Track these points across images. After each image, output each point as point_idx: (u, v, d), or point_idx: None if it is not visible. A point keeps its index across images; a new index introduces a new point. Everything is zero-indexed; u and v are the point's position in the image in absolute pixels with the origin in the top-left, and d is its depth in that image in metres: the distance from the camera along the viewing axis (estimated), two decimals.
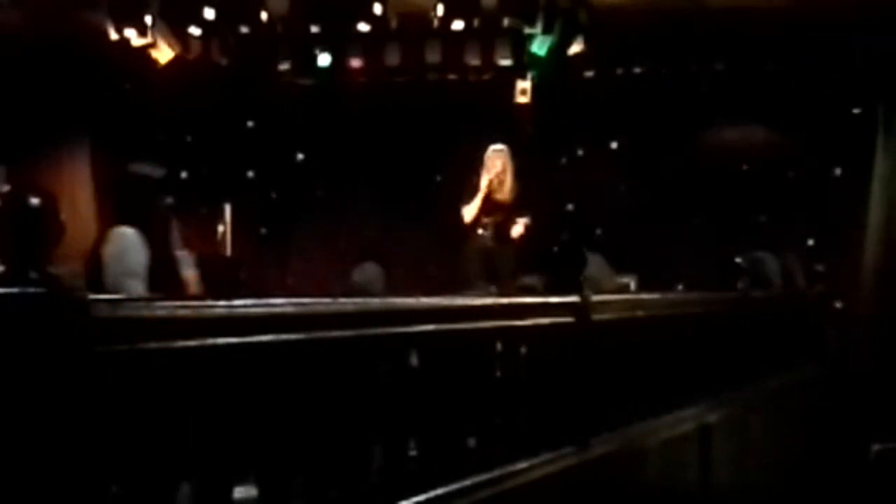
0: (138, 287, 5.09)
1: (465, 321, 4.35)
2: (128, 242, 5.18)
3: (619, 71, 11.58)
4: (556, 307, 5.14)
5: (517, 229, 8.46)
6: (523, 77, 10.72)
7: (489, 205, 8.55)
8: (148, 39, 9.96)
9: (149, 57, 10.11)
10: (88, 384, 2.43)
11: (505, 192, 8.57)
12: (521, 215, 8.52)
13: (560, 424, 5.02)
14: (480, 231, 8.53)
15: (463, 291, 7.43)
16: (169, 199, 5.98)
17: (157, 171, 6.15)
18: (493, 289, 7.77)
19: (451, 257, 9.06)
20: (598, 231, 11.88)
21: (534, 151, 11.41)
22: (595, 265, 7.59)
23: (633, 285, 10.18)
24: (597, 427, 5.31)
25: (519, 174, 8.82)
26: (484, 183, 8.52)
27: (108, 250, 5.10)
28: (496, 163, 8.59)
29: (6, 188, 2.35)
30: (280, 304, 3.32)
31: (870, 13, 9.99)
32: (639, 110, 11.56)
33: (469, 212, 8.52)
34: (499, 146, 8.69)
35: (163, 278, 5.15)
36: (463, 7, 10.23)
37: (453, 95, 11.13)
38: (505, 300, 5.18)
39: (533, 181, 10.82)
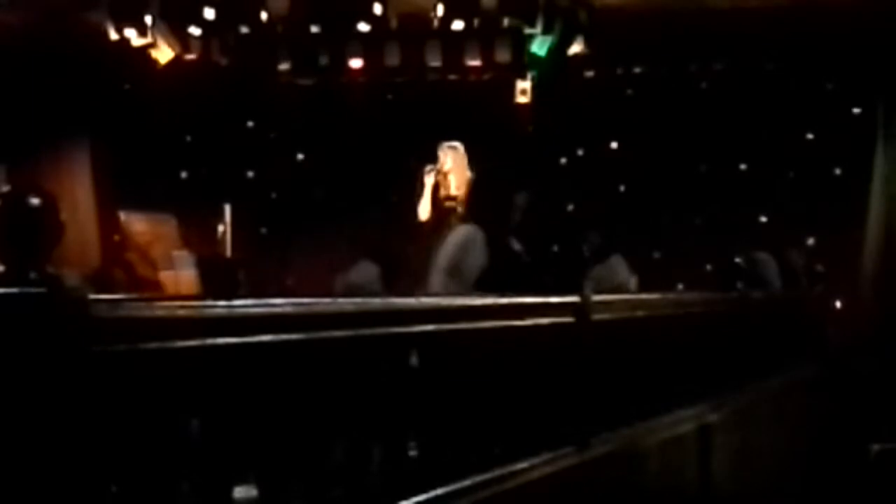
0: (449, 286, 4.96)
1: (465, 321, 4.35)
2: (468, 241, 5.08)
3: (619, 71, 11.59)
4: (556, 307, 5.14)
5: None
6: (523, 77, 10.71)
7: (445, 203, 8.50)
8: (148, 39, 9.96)
9: (149, 57, 10.11)
10: (87, 384, 2.42)
11: (460, 189, 8.52)
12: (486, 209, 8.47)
13: (560, 424, 5.01)
14: (445, 230, 8.48)
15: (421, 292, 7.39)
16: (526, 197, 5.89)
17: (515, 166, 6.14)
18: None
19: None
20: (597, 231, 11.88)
21: (534, 151, 11.41)
22: (614, 266, 7.53)
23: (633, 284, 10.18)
24: (597, 427, 5.30)
25: (519, 173, 8.81)
26: (428, 181, 8.48)
27: (445, 243, 5.02)
28: (443, 159, 8.55)
29: (6, 188, 2.34)
30: (280, 304, 3.32)
31: (869, 13, 9.99)
32: (639, 110, 11.56)
33: (422, 209, 8.48)
34: (450, 143, 8.66)
35: (505, 280, 5.04)
36: (463, 7, 10.24)
37: (453, 95, 11.13)
38: (505, 300, 5.18)
39: (533, 181, 10.81)
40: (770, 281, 9.41)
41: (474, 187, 8.32)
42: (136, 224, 8.70)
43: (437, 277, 5.09)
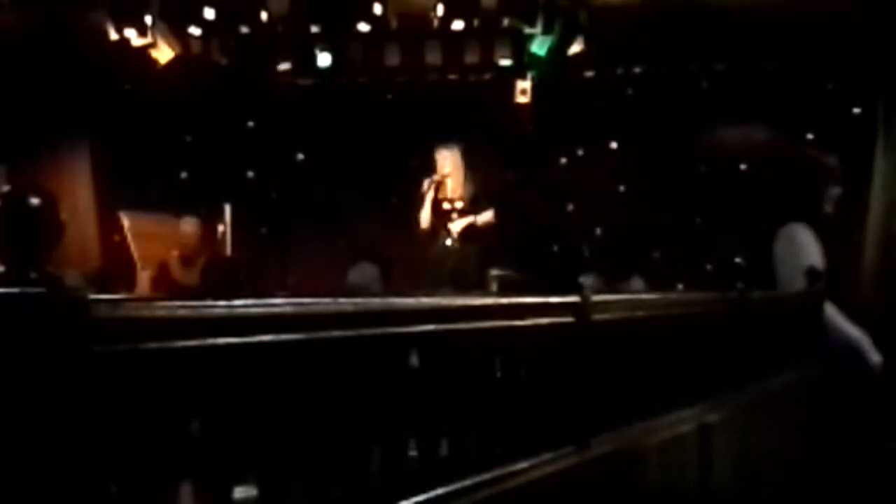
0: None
1: (465, 321, 4.35)
2: (803, 239, 5.04)
3: (619, 71, 11.60)
4: (556, 307, 5.14)
5: (484, 217, 8.44)
6: (523, 77, 10.72)
7: (443, 206, 8.53)
8: (148, 39, 9.97)
9: (149, 57, 10.12)
10: (88, 384, 2.43)
11: (455, 192, 8.55)
12: (483, 210, 8.49)
13: (560, 424, 5.01)
14: (443, 233, 8.53)
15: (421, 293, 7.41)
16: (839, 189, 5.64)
17: (831, 159, 5.94)
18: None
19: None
20: (598, 230, 11.90)
21: (534, 151, 11.42)
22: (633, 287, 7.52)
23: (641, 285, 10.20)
24: (597, 427, 5.30)
25: (519, 173, 8.84)
26: (426, 186, 8.52)
27: (781, 247, 4.96)
28: (442, 163, 8.58)
29: (6, 188, 2.34)
30: (280, 304, 3.31)
31: (869, 13, 9.99)
32: (639, 110, 11.57)
33: (423, 218, 8.50)
34: (446, 146, 8.68)
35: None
36: (463, 7, 10.24)
37: (453, 95, 11.14)
38: (505, 300, 5.18)
39: (533, 181, 10.82)
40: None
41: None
42: (187, 227, 8.74)
43: (796, 281, 5.07)
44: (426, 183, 8.55)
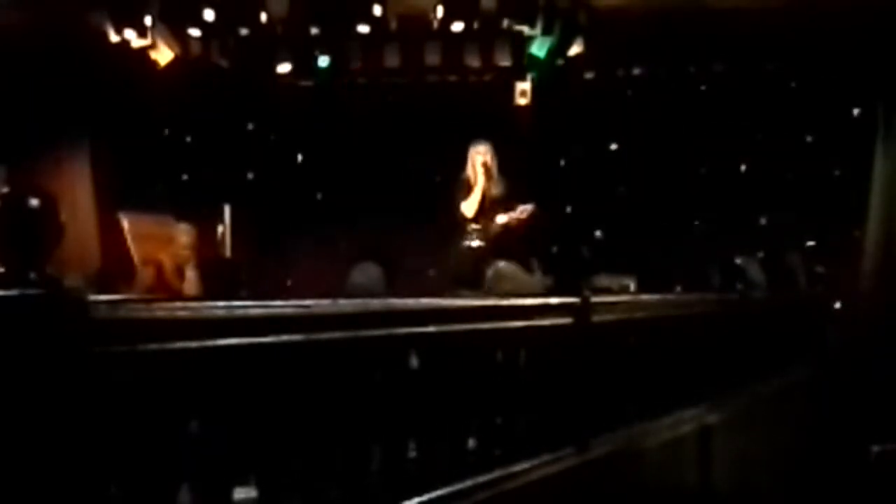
0: None
1: (466, 322, 4.35)
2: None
3: (619, 72, 11.59)
4: (555, 308, 5.14)
5: (526, 209, 8.33)
6: (523, 79, 10.71)
7: (484, 202, 8.48)
8: (148, 40, 9.96)
9: (148, 58, 10.11)
10: (87, 385, 2.42)
11: (497, 188, 8.51)
12: (512, 208, 8.43)
13: (560, 425, 5.01)
14: (472, 229, 8.46)
15: (454, 292, 7.36)
16: None
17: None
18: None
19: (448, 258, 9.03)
20: (598, 233, 11.91)
21: (534, 152, 11.42)
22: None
23: (632, 286, 10.18)
24: (597, 428, 5.30)
25: (519, 175, 8.80)
26: (481, 178, 8.44)
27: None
28: (486, 157, 8.52)
29: (6, 189, 2.34)
30: (280, 305, 3.31)
31: (869, 13, 9.99)
32: (638, 111, 11.56)
33: (470, 208, 8.42)
34: (483, 141, 8.62)
35: None
36: (463, 9, 10.23)
37: (453, 97, 11.13)
38: (505, 301, 5.18)
39: (533, 182, 10.81)
40: (754, 281, 9.41)
41: None
42: (183, 237, 8.73)
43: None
44: (479, 175, 8.45)
